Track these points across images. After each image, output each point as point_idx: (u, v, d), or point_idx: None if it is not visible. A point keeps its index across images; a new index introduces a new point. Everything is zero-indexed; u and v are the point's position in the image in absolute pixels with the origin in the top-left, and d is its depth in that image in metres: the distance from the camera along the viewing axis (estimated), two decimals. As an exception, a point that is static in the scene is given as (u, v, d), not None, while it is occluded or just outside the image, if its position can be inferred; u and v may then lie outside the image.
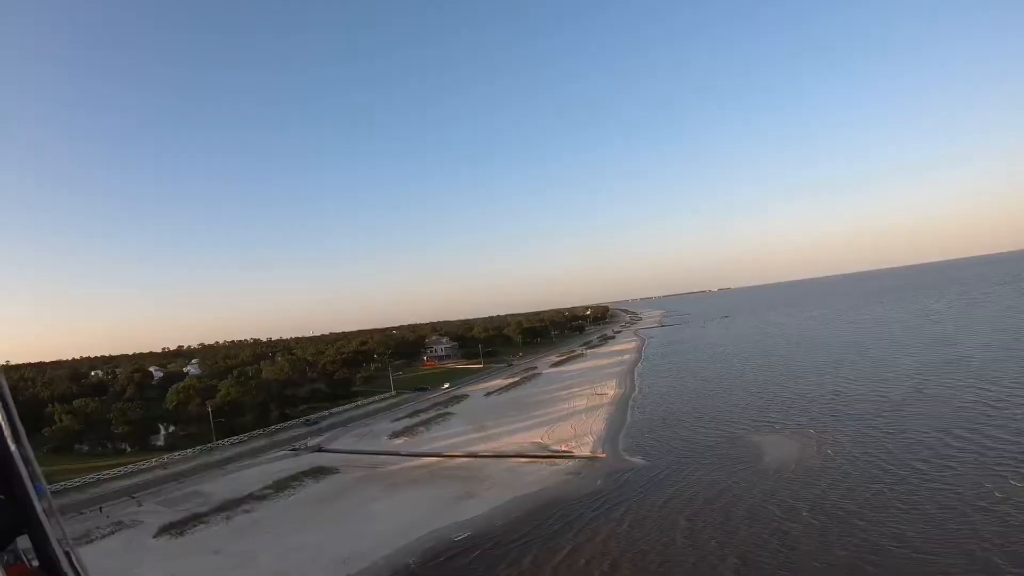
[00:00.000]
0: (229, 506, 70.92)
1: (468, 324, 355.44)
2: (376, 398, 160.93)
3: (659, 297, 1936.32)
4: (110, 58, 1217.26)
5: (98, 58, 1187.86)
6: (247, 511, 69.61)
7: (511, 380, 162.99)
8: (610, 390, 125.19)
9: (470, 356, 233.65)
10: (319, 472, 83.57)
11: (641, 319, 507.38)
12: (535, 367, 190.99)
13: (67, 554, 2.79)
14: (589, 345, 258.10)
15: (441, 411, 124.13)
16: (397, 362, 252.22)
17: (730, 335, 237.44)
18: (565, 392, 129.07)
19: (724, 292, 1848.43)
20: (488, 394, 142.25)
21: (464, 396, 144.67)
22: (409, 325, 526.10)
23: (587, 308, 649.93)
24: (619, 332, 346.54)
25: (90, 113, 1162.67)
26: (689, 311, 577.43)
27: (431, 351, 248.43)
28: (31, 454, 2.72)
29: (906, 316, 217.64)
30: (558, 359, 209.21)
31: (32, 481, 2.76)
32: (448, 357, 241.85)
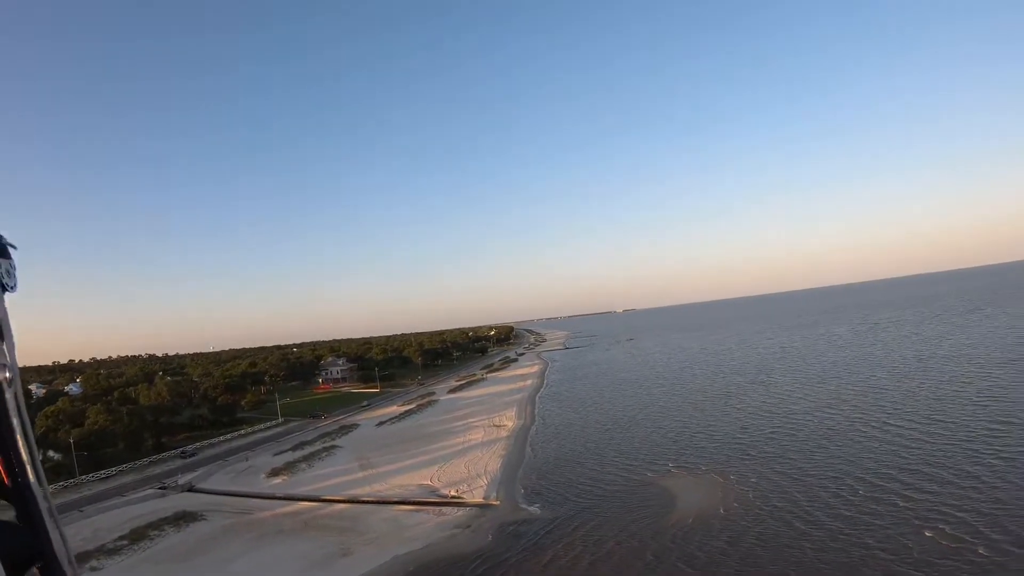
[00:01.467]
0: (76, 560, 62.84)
1: (368, 344, 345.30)
2: (262, 426, 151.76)
3: (564, 317, 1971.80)
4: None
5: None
6: (94, 568, 61.90)
7: (406, 407, 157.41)
8: (509, 421, 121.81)
9: (368, 379, 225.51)
10: (182, 519, 75.40)
11: (545, 340, 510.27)
12: (433, 392, 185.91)
13: None
14: (491, 368, 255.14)
15: (328, 443, 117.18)
16: (292, 384, 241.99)
17: (634, 360, 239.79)
18: (461, 423, 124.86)
19: (629, 313, 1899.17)
20: (380, 423, 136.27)
21: (355, 425, 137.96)
22: (310, 343, 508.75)
23: (491, 329, 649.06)
24: (522, 354, 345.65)
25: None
26: (595, 332, 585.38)
27: (326, 373, 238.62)
28: (45, 482, 2.90)
29: (808, 342, 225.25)
30: (457, 383, 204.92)
31: (49, 506, 2.76)
32: (344, 380, 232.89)
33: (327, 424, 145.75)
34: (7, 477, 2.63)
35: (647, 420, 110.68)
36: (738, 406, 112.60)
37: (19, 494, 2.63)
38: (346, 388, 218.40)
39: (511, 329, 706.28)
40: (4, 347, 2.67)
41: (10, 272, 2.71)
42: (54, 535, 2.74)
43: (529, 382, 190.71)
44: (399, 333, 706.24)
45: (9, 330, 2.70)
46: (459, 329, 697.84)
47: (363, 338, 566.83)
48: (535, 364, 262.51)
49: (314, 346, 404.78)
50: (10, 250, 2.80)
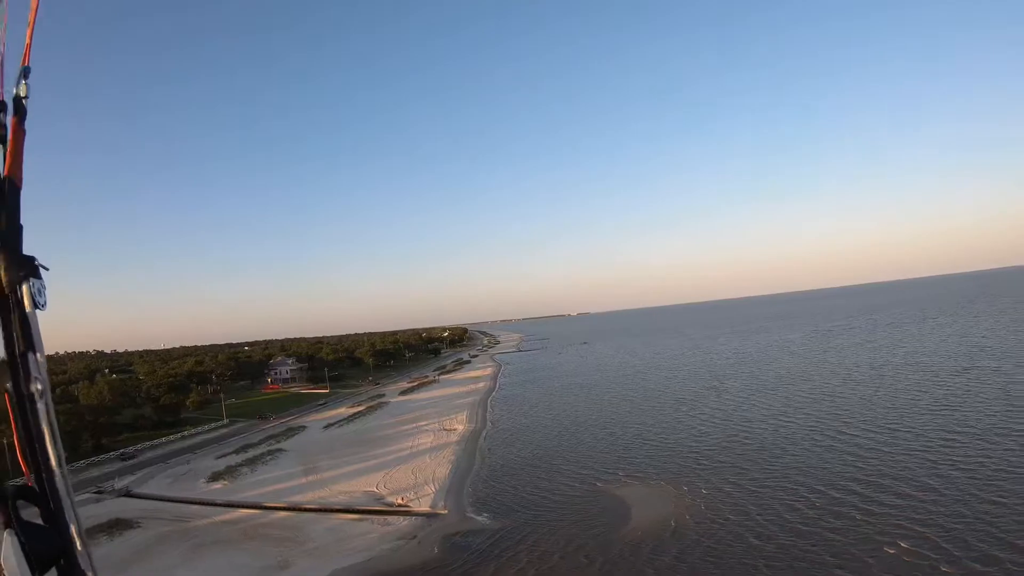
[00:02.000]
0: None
1: (319, 343, 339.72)
2: (207, 427, 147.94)
3: (519, 320, 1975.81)
4: None
5: None
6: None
7: (355, 410, 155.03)
8: (460, 425, 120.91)
9: (318, 379, 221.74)
10: (115, 526, 72.36)
11: (499, 342, 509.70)
12: (383, 395, 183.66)
13: None
14: (443, 370, 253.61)
15: (272, 446, 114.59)
16: (240, 383, 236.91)
17: (587, 363, 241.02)
18: (411, 426, 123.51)
19: (583, 316, 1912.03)
20: (328, 426, 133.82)
21: (302, 428, 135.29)
22: (262, 342, 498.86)
23: (445, 330, 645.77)
24: (476, 356, 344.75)
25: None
26: (548, 335, 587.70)
27: (276, 373, 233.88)
28: (70, 486, 3.16)
29: (761, 348, 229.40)
30: (409, 385, 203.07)
31: (73, 509, 2.88)
32: (294, 380, 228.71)
33: (274, 426, 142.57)
34: (35, 480, 2.85)
35: (599, 426, 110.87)
36: (691, 413, 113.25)
37: (46, 496, 2.82)
38: (295, 389, 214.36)
39: (465, 331, 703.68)
40: (36, 360, 2.86)
41: (41, 291, 2.88)
42: (76, 535, 2.85)
43: (481, 384, 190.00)
44: (352, 333, 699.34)
45: (41, 345, 2.88)
46: (412, 330, 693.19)
47: (315, 338, 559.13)
48: (488, 367, 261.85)
49: (266, 345, 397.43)
50: (41, 271, 2.94)
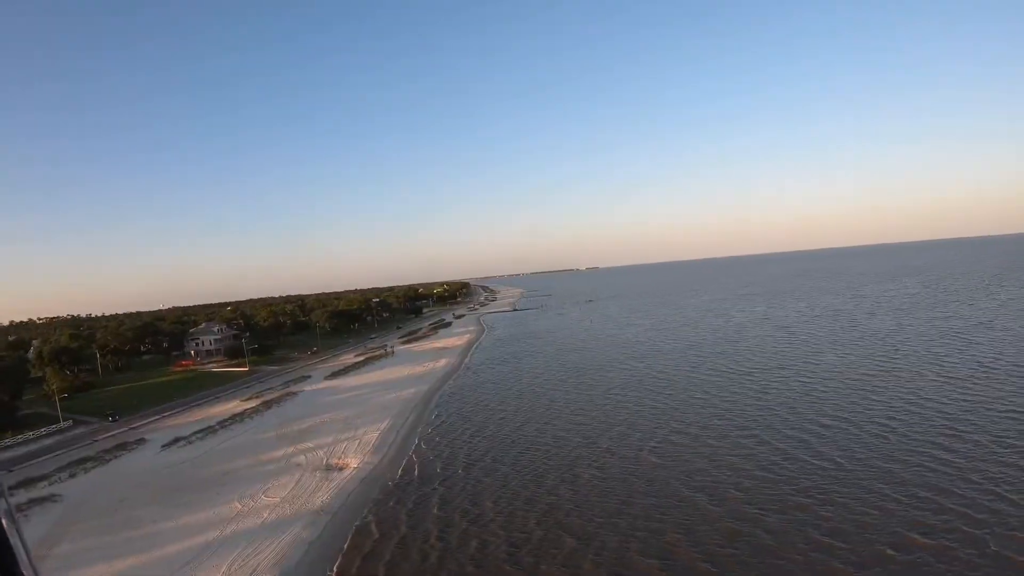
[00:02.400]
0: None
1: (271, 305, 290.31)
2: (32, 434, 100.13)
3: (527, 274, 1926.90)
4: None
5: None
6: None
7: (244, 406, 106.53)
8: (353, 460, 69.55)
9: (249, 352, 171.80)
10: None
11: (496, 299, 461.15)
12: (308, 376, 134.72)
13: None
14: (413, 336, 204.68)
15: (43, 490, 66.82)
16: (153, 356, 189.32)
17: (589, 330, 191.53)
18: (285, 451, 74.52)
19: (592, 271, 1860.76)
20: (176, 441, 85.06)
21: (140, 442, 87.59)
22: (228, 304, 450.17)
23: (442, 285, 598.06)
24: (462, 316, 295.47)
25: None
26: (552, 291, 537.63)
27: (197, 345, 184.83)
28: (7, 495, 2.85)
29: (785, 313, 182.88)
30: (354, 360, 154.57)
31: (12, 522, 2.70)
32: (217, 353, 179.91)
33: (105, 438, 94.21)
34: None
35: (594, 466, 62.15)
36: (720, 430, 65.33)
37: None
38: (212, 366, 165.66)
39: (464, 285, 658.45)
40: None
41: None
42: (19, 551, 2.48)
43: (443, 362, 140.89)
44: (350, 289, 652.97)
45: None
46: (409, 286, 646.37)
47: (297, 295, 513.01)
48: (467, 332, 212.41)
49: (207, 308, 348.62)
50: None
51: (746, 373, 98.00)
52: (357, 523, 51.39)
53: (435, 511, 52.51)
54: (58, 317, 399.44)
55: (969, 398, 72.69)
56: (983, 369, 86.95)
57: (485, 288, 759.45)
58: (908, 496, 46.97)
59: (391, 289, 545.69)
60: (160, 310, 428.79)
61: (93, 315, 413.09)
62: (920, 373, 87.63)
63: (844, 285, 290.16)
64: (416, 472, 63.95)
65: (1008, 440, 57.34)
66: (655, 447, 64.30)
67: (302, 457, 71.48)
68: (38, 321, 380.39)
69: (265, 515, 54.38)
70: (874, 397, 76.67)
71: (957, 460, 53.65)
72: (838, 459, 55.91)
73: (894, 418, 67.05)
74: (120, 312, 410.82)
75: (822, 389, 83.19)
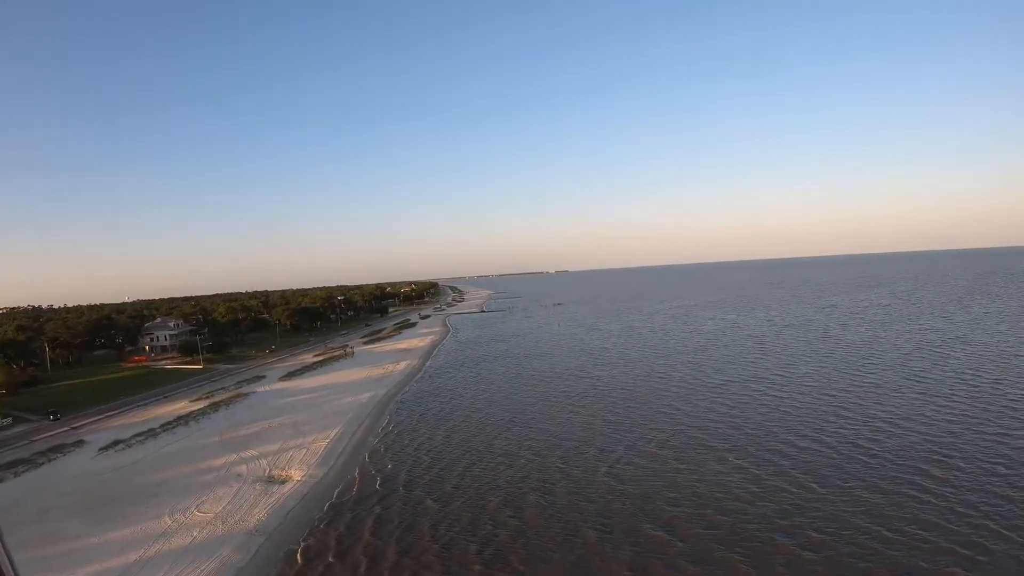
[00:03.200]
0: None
1: (230, 300, 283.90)
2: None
3: (496, 276, 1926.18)
4: None
5: None
6: None
7: (193, 406, 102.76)
8: (298, 471, 66.61)
9: (205, 349, 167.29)
10: None
11: (464, 300, 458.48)
12: (263, 376, 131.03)
13: None
14: (375, 337, 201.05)
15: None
16: (99, 352, 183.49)
17: (557, 334, 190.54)
18: (227, 459, 71.33)
19: (561, 274, 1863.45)
20: (115, 443, 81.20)
21: (77, 444, 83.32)
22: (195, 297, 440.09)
23: (411, 284, 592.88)
24: (427, 316, 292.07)
25: None
26: (520, 293, 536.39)
27: (152, 340, 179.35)
28: None
29: (750, 320, 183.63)
30: (313, 361, 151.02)
31: None
32: (172, 349, 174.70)
33: (43, 438, 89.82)
34: None
35: (524, 477, 61.22)
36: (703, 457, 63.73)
37: None
38: (167, 363, 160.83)
39: (433, 285, 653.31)
40: None
41: None
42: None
43: (403, 364, 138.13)
44: (316, 287, 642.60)
45: None
46: (376, 284, 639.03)
47: (262, 291, 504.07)
48: (432, 333, 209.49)
49: (181, 302, 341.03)
50: None
51: (716, 387, 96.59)
52: (292, 547, 48.51)
53: (369, 536, 49.69)
54: (17, 307, 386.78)
55: (951, 418, 71.61)
56: (964, 386, 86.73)
57: (453, 288, 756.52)
58: (891, 530, 43.82)
59: (360, 287, 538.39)
60: (124, 303, 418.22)
61: (55, 306, 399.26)
62: (898, 389, 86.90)
63: (814, 294, 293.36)
64: (358, 489, 61.07)
65: (998, 468, 55.12)
66: (612, 468, 61.77)
67: (244, 467, 68.42)
68: None
69: (195, 533, 51.35)
70: (850, 415, 75.18)
71: (943, 489, 51.05)
72: (814, 486, 53.09)
73: (873, 439, 65.05)
74: (83, 304, 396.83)
75: (795, 405, 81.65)
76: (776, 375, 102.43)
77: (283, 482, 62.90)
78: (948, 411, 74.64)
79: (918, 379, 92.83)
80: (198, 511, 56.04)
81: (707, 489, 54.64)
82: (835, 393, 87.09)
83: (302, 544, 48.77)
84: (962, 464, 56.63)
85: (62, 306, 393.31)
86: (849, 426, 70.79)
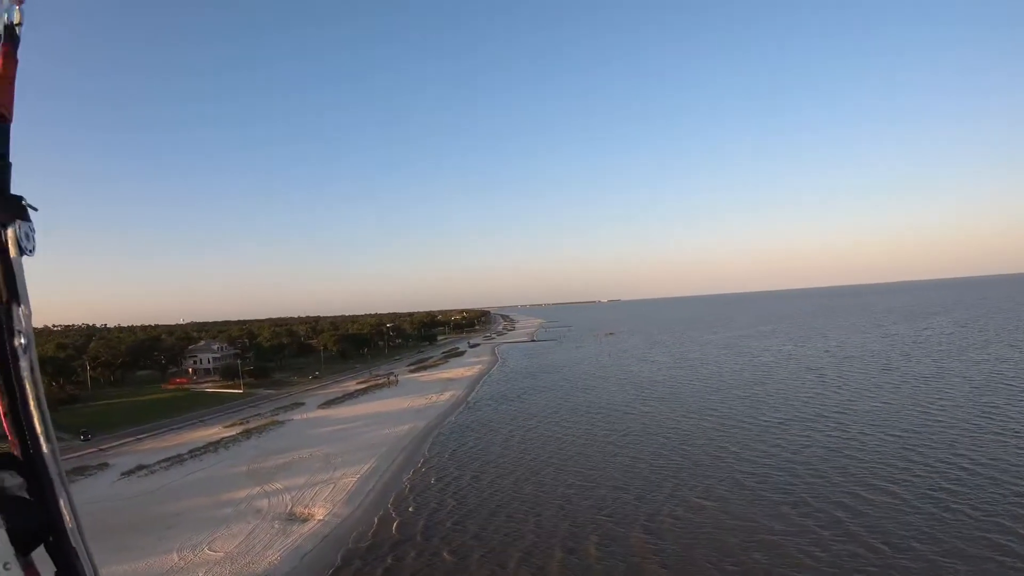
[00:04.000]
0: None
1: (278, 325, 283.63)
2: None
3: (548, 304, 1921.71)
4: None
5: None
6: None
7: (225, 433, 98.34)
8: (321, 509, 61.89)
9: (246, 374, 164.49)
10: None
11: (514, 328, 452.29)
12: (302, 403, 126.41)
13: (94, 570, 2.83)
14: (421, 366, 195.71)
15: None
16: (142, 372, 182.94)
17: (611, 365, 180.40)
18: (249, 492, 65.55)
19: (615, 303, 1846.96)
20: (138, 469, 77.07)
21: (100, 468, 79.80)
22: (254, 321, 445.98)
23: (461, 312, 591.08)
24: (477, 345, 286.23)
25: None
26: (572, 323, 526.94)
27: (195, 362, 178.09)
28: (59, 455, 2.76)
29: (813, 353, 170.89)
30: (355, 388, 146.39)
31: (62, 480, 2.51)
32: (215, 372, 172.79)
33: (69, 458, 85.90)
34: (20, 448, 2.42)
35: (552, 529, 53.26)
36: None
37: (32, 466, 2.42)
38: (207, 386, 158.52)
39: (484, 314, 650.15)
40: (20, 312, 2.39)
41: (29, 235, 2.36)
42: (66, 509, 2.48)
43: (447, 395, 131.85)
44: (368, 313, 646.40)
45: (26, 295, 2.41)
46: (428, 312, 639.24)
47: (313, 317, 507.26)
48: (479, 363, 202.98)
49: (242, 325, 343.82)
50: (30, 212, 2.44)
51: (772, 426, 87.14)
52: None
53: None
54: (72, 325, 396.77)
55: (1043, 465, 61.57)
56: (1053, 427, 75.70)
57: (505, 317, 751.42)
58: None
59: (411, 315, 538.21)
60: (176, 324, 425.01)
61: (108, 325, 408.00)
62: (976, 428, 76.40)
63: (871, 323, 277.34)
64: (374, 534, 54.30)
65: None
66: (649, 522, 53.57)
67: (265, 501, 62.65)
68: (53, 328, 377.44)
69: (200, 574, 45.71)
70: (921, 461, 65.11)
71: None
72: (884, 548, 44.62)
73: (952, 491, 55.18)
74: (137, 325, 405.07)
75: (861, 449, 71.64)
76: (838, 412, 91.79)
77: (304, 521, 56.76)
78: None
79: (992, 416, 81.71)
80: (209, 549, 50.35)
81: (760, 553, 46.16)
82: (902, 434, 76.58)
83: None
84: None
85: (116, 325, 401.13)
86: (922, 472, 61.03)
